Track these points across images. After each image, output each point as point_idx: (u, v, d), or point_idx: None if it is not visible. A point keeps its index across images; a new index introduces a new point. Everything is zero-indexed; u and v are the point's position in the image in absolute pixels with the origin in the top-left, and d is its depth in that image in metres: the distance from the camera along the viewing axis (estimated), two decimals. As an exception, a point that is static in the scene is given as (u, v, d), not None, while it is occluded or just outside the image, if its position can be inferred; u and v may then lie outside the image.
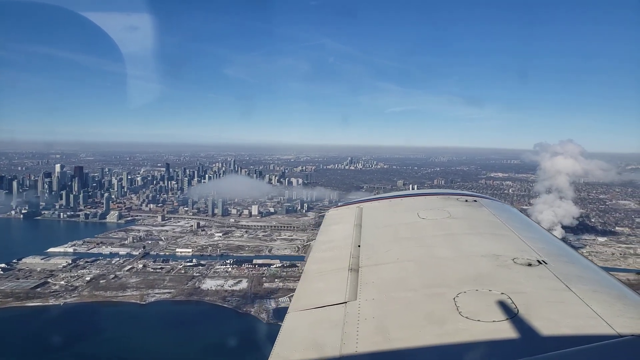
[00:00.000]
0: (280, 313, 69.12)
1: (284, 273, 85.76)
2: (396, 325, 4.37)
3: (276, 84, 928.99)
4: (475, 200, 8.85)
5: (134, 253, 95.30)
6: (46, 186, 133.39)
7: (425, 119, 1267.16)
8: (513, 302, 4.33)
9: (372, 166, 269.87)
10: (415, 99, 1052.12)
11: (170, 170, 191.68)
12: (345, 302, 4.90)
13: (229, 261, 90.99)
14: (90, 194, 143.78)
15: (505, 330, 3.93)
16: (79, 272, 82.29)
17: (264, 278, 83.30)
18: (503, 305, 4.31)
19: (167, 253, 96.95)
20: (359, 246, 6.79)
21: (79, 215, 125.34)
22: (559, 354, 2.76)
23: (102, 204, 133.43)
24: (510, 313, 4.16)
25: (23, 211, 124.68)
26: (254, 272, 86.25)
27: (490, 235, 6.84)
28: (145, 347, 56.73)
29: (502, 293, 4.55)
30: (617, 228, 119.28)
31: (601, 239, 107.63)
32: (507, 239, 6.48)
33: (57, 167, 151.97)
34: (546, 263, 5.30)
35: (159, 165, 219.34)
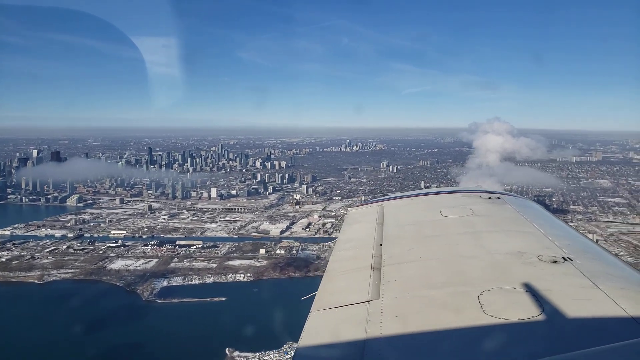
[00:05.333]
0: (168, 291, 71.13)
1: (198, 254, 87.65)
2: (420, 324, 4.35)
3: (290, 66, 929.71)
4: (498, 198, 8.80)
5: (69, 235, 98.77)
6: (13, 171, 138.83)
7: (440, 100, 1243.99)
8: (538, 300, 4.29)
9: (369, 148, 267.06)
10: (431, 80, 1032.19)
11: (153, 154, 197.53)
12: (368, 301, 4.89)
13: (152, 242, 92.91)
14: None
15: (531, 329, 3.91)
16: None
17: (175, 258, 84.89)
18: (528, 303, 4.26)
19: (102, 235, 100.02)
20: (381, 245, 6.80)
21: (40, 199, 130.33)
22: (587, 352, 2.64)
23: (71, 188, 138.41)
24: (536, 311, 4.11)
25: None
26: (170, 252, 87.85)
27: (514, 232, 6.81)
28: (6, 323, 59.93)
29: (527, 291, 4.49)
30: (571, 207, 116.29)
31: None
32: (531, 236, 6.43)
33: (34, 152, 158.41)
34: (572, 260, 5.22)
35: (157, 149, 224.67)
